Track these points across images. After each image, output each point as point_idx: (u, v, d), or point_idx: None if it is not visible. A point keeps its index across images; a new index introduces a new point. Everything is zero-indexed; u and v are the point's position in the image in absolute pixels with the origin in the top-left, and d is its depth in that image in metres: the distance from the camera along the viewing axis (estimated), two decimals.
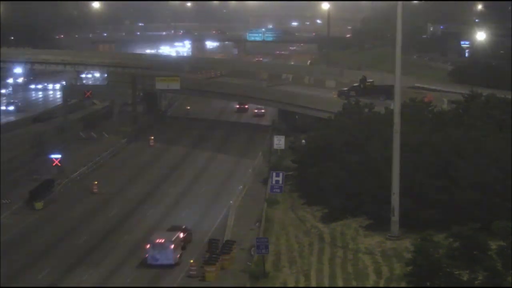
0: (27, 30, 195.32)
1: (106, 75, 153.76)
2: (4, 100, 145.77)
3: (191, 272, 59.20)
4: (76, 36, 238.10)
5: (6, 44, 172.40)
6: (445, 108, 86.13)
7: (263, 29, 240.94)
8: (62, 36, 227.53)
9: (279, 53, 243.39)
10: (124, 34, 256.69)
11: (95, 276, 59.64)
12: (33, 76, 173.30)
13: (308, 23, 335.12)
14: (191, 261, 60.00)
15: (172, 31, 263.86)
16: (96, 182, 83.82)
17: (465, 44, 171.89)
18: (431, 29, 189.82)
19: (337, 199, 68.57)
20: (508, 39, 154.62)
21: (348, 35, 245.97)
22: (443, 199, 61.55)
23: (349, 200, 67.97)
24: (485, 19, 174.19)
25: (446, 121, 72.90)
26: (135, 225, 72.36)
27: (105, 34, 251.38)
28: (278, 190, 74.74)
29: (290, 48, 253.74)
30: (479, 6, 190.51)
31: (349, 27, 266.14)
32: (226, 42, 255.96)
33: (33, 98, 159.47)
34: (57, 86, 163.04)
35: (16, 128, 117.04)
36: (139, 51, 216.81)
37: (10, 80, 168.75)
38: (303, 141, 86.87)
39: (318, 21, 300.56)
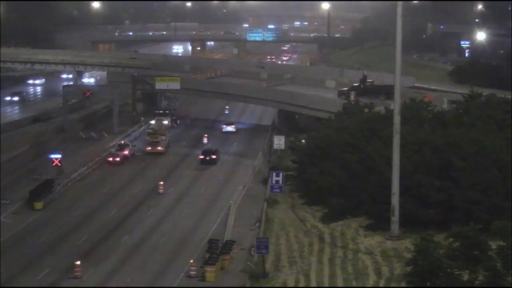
0: (27, 30, 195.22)
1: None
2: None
3: (191, 272, 59.22)
4: (76, 36, 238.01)
5: (6, 44, 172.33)
6: (445, 108, 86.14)
7: (263, 29, 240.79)
8: (62, 36, 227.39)
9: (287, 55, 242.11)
10: (124, 34, 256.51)
11: (95, 276, 59.76)
12: None
13: (306, 23, 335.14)
14: (191, 261, 60.02)
15: (172, 31, 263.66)
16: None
17: (465, 44, 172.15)
18: (431, 29, 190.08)
19: (337, 199, 68.57)
20: (508, 39, 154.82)
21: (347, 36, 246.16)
22: (443, 199, 61.57)
23: (349, 200, 67.99)
24: (485, 19, 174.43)
25: (446, 121, 72.90)
26: (134, 226, 72.34)
27: (105, 34, 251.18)
28: (278, 190, 74.79)
29: (284, 49, 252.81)
30: (479, 6, 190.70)
31: (342, 26, 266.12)
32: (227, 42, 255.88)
33: None
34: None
35: (16, 128, 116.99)
36: (139, 51, 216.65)
37: None
38: (303, 141, 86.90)
39: (315, 23, 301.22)
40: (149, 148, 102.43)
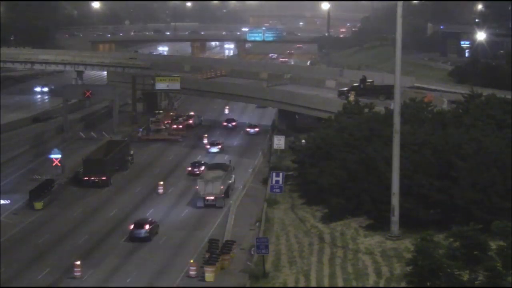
0: (27, 30, 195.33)
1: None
2: None
3: (191, 272, 59.24)
4: (76, 36, 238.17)
5: (6, 44, 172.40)
6: (445, 108, 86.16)
7: (263, 29, 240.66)
8: (62, 36, 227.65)
9: (289, 52, 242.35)
10: (124, 34, 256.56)
11: (95, 276, 59.81)
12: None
13: (307, 23, 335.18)
14: (191, 261, 60.04)
15: (172, 31, 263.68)
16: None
17: (465, 44, 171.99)
18: (431, 29, 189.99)
19: (337, 199, 68.57)
20: (508, 39, 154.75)
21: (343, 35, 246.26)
22: (443, 199, 61.57)
23: (349, 200, 67.98)
24: (485, 19, 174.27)
25: (446, 121, 72.91)
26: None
27: (105, 34, 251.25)
28: (278, 190, 74.80)
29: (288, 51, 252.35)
30: (479, 6, 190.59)
31: (348, 25, 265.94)
32: (226, 42, 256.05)
33: None
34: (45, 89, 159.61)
35: (16, 128, 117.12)
36: (139, 51, 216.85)
37: None
38: (303, 141, 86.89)
39: (317, 21, 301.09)
40: (153, 134, 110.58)
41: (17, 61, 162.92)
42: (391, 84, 79.69)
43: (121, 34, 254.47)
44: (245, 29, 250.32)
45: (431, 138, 66.90)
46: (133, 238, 67.20)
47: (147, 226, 67.47)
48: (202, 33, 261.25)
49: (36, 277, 59.69)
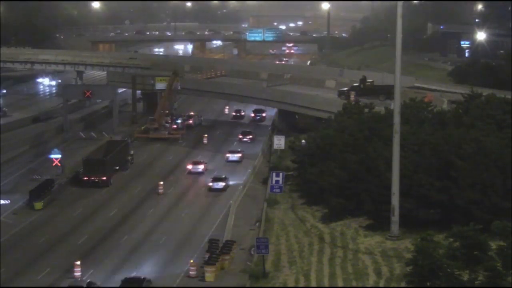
0: (27, 30, 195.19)
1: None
2: None
3: (191, 272, 59.25)
4: (76, 36, 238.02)
5: (6, 44, 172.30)
6: (445, 108, 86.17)
7: (263, 29, 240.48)
8: (62, 36, 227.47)
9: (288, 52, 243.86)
10: (124, 34, 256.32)
11: (95, 276, 59.79)
12: None
13: (307, 22, 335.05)
14: (191, 261, 60.06)
15: (172, 31, 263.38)
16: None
17: (465, 44, 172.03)
18: (431, 29, 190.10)
19: (337, 199, 68.57)
20: (508, 39, 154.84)
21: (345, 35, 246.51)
22: (443, 199, 61.56)
23: (349, 200, 67.99)
24: (485, 19, 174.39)
25: (446, 121, 72.92)
26: (134, 226, 72.40)
27: (105, 34, 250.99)
28: (278, 190, 74.82)
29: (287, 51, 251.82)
30: (479, 6, 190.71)
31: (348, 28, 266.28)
32: (226, 42, 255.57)
33: None
34: None
35: (16, 128, 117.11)
36: (139, 51, 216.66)
37: None
38: (303, 141, 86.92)
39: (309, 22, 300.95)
40: (152, 133, 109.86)
41: (17, 61, 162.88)
42: (391, 84, 79.69)
43: (118, 32, 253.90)
44: (245, 28, 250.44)
45: (431, 138, 66.90)
46: (212, 189, 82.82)
47: (223, 182, 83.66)
48: (199, 33, 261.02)
49: (36, 277, 59.70)
